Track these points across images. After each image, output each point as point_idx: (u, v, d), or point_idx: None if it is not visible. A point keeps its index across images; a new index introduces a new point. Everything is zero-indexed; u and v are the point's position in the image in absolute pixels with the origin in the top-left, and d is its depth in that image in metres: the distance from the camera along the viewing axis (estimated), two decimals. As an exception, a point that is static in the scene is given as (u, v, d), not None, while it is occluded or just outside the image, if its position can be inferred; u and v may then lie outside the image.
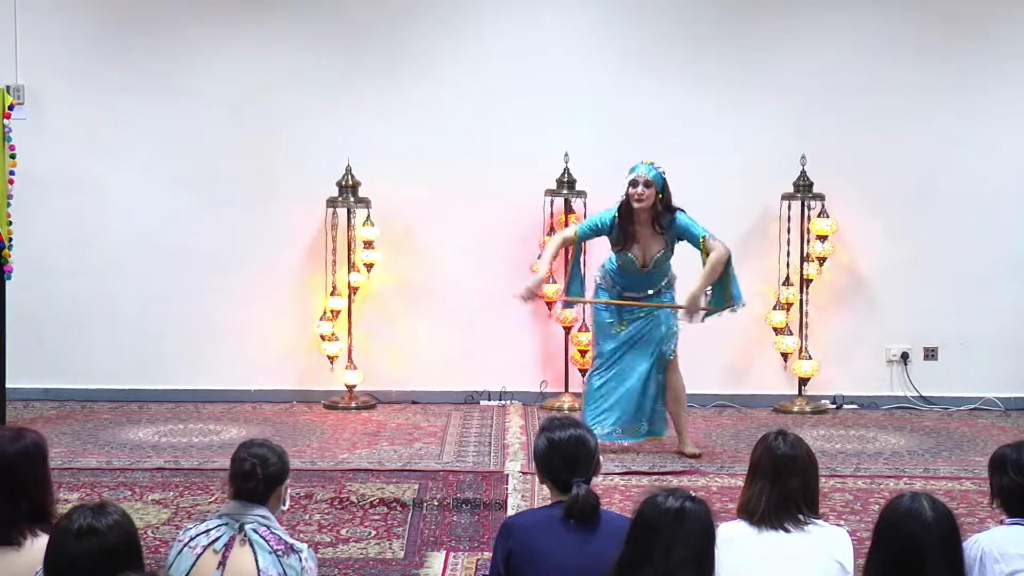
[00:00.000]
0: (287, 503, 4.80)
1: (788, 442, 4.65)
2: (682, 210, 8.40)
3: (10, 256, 8.94)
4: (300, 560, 4.52)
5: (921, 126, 10.36)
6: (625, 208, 8.37)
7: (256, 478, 4.57)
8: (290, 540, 4.58)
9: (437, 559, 6.47)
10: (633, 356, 8.51)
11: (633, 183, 8.32)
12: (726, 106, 10.33)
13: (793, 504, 4.58)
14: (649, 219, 8.36)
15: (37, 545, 4.33)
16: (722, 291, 8.48)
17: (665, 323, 8.54)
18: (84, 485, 7.66)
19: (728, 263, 8.39)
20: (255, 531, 4.52)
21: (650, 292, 8.53)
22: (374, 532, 6.90)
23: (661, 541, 3.81)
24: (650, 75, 10.35)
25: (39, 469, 4.52)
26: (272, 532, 4.55)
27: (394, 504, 7.36)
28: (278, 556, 4.49)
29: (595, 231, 8.52)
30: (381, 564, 6.41)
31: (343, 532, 6.89)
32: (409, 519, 7.14)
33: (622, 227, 8.37)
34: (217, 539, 4.50)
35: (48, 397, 10.24)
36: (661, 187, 8.35)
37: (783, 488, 4.58)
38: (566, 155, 10.11)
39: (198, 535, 4.53)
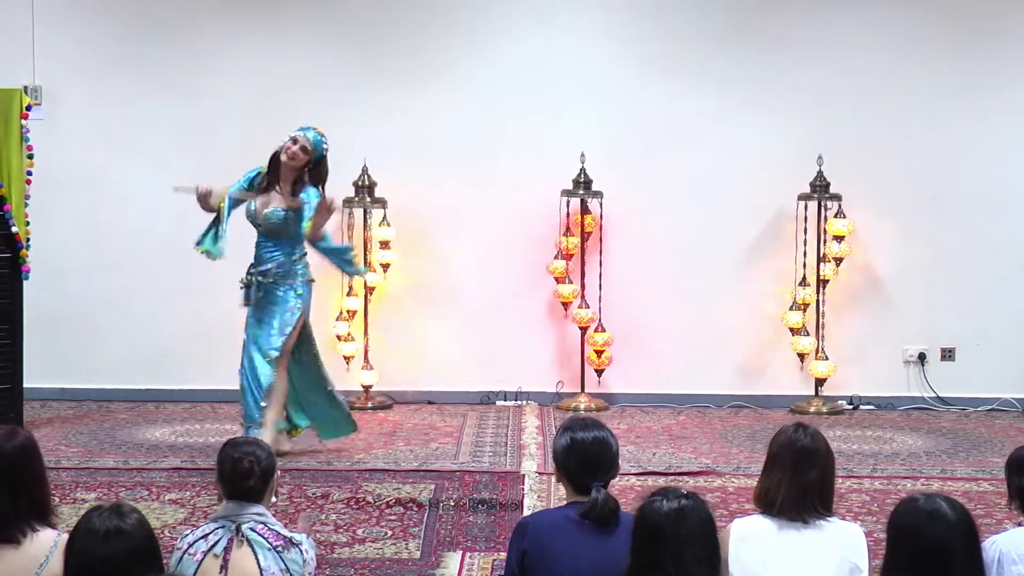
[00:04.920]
0: (279, 496, 4.79)
1: (808, 434, 4.63)
2: (321, 192, 8.07)
3: (28, 256, 8.97)
4: (301, 553, 4.53)
5: (938, 127, 10.34)
6: (274, 160, 8.14)
7: (255, 475, 4.56)
8: (288, 534, 4.58)
9: (453, 559, 6.46)
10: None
11: (293, 140, 8.07)
12: (742, 106, 10.32)
13: (810, 497, 4.56)
14: (290, 181, 8.12)
15: (36, 542, 4.34)
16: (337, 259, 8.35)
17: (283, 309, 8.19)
18: (101, 485, 7.67)
19: (322, 241, 8.21)
20: (253, 530, 4.51)
21: (270, 266, 8.12)
22: (390, 532, 6.90)
23: (668, 546, 3.79)
24: (666, 75, 10.35)
25: (36, 465, 4.53)
26: (270, 529, 4.55)
27: (410, 504, 7.36)
28: (278, 552, 4.49)
29: (241, 187, 8.17)
30: (397, 564, 6.40)
31: (359, 532, 6.89)
32: (425, 519, 7.13)
33: (270, 170, 8.14)
34: (216, 543, 4.49)
35: (64, 397, 10.27)
36: (317, 159, 8.10)
37: (801, 480, 4.55)
38: (582, 155, 10.10)
39: (196, 541, 4.52)
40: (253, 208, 8.14)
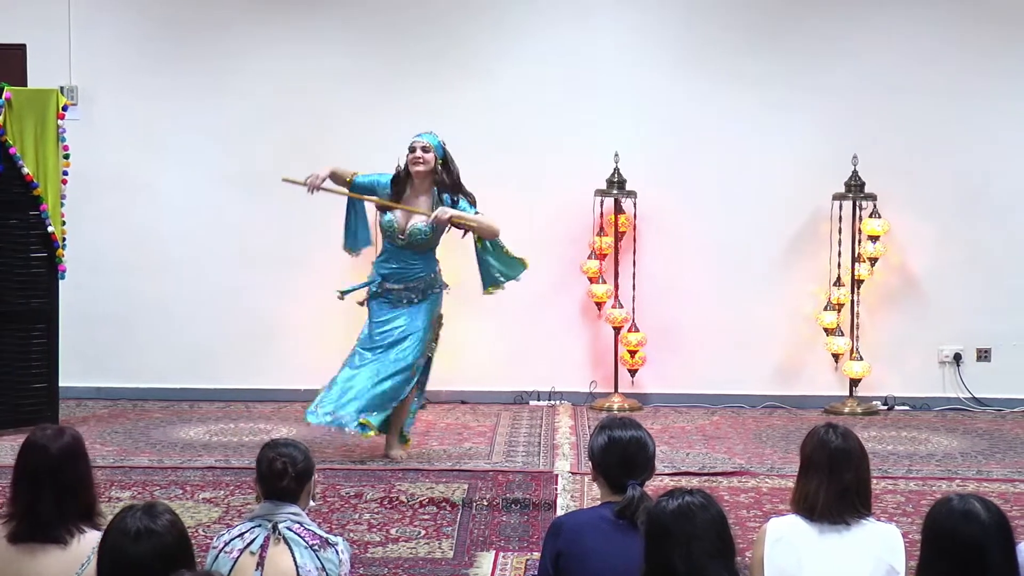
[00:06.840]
0: (316, 499, 4.82)
1: (839, 434, 4.59)
2: (471, 200, 8.32)
3: (64, 256, 9.02)
4: (337, 553, 4.56)
5: (973, 127, 10.28)
6: (404, 173, 8.30)
7: (288, 476, 4.60)
8: (324, 534, 4.61)
9: (486, 559, 6.47)
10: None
11: (411, 148, 8.25)
12: (777, 106, 10.28)
13: (849, 498, 4.53)
14: (429, 187, 8.29)
15: (83, 543, 4.36)
16: (489, 270, 8.48)
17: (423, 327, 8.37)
18: (136, 484, 7.71)
19: (497, 240, 8.39)
20: (289, 529, 4.54)
21: (411, 284, 8.31)
22: (423, 532, 6.91)
23: (676, 544, 3.77)
24: (701, 75, 10.32)
25: (82, 466, 4.53)
26: (306, 528, 4.58)
27: (443, 504, 7.37)
28: (315, 551, 4.52)
29: (370, 185, 8.36)
30: (430, 564, 6.41)
31: (393, 531, 6.90)
32: (458, 519, 7.14)
33: (396, 190, 8.29)
34: (252, 541, 4.52)
35: (100, 396, 10.31)
36: (442, 155, 8.30)
37: (839, 482, 4.52)
38: (616, 155, 10.09)
39: (232, 539, 4.55)
40: (393, 223, 8.25)
